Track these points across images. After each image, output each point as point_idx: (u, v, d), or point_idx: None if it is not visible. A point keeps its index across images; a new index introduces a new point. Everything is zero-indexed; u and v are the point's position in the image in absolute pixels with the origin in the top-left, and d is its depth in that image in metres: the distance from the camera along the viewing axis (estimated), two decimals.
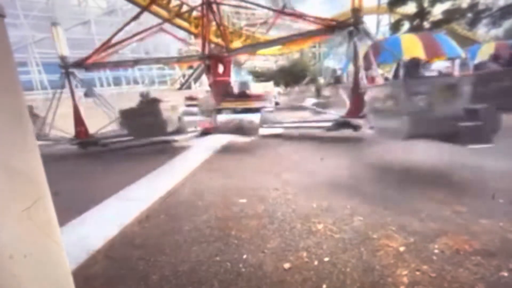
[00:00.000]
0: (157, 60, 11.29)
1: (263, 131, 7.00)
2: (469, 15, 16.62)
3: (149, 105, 6.59)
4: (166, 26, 10.43)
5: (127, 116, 6.65)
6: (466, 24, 18.72)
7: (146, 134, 6.63)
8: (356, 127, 6.26)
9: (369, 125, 5.27)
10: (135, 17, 8.56)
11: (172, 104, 6.93)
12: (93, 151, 7.22)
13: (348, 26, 6.26)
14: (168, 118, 6.53)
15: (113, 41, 8.15)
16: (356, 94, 6.40)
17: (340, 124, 6.40)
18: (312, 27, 7.56)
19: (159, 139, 7.12)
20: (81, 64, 7.81)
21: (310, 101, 11.85)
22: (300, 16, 8.47)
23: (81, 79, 7.98)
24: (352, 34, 6.18)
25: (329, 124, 6.60)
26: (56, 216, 1.07)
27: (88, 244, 2.37)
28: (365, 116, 6.10)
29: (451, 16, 16.72)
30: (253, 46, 9.94)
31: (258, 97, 7.06)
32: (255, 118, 6.23)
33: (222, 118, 6.29)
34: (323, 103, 10.94)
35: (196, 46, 13.18)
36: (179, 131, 6.78)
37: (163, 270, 1.98)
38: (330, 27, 6.73)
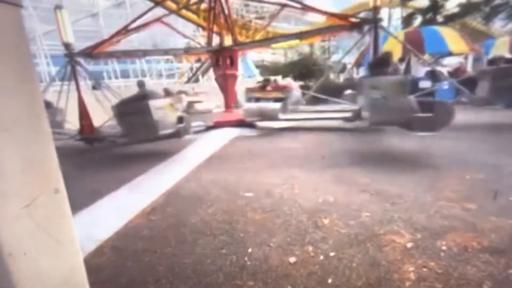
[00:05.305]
0: (166, 52, 11.27)
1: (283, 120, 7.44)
2: (485, 9, 16.11)
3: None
4: (170, 18, 10.49)
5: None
6: (482, 18, 18.15)
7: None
8: None
9: None
10: (151, 8, 8.65)
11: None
12: (99, 147, 6.84)
13: (370, 22, 6.58)
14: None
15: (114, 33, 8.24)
16: None
17: (358, 115, 6.58)
18: (320, 20, 7.72)
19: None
20: (88, 53, 7.63)
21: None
22: (324, 12, 8.51)
23: (90, 72, 7.77)
24: (372, 30, 6.49)
25: (347, 114, 6.84)
26: (58, 212, 1.07)
27: (95, 235, 2.40)
28: None
29: (466, 10, 16.26)
30: (271, 40, 9.96)
31: (286, 87, 7.94)
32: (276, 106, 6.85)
33: (249, 106, 6.99)
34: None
35: (202, 40, 13.13)
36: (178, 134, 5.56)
37: (169, 262, 2.00)
38: (354, 24, 6.98)
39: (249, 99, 7.65)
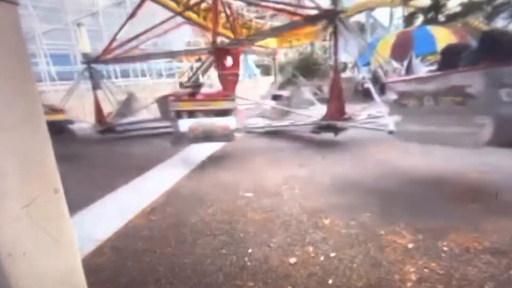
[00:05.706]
0: (167, 54, 11.30)
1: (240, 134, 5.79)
2: (488, 8, 16.03)
3: None
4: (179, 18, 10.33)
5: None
6: (484, 18, 18.07)
7: None
8: (337, 131, 5.45)
9: (389, 129, 4.24)
10: (133, 14, 8.28)
11: None
12: (110, 137, 7.92)
13: (329, 16, 5.41)
14: None
15: (135, 34, 8.21)
16: (337, 93, 5.62)
17: (322, 127, 5.59)
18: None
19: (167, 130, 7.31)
20: (97, 60, 8.32)
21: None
22: (278, 9, 8.21)
23: (91, 72, 8.30)
24: (331, 25, 5.41)
25: (310, 127, 5.80)
26: (57, 212, 1.07)
27: (95, 235, 2.39)
28: (349, 118, 5.44)
29: (468, 9, 16.17)
30: (249, 40, 9.76)
31: (224, 96, 5.43)
32: (228, 122, 4.67)
33: (185, 123, 4.56)
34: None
35: (207, 37, 13.02)
36: None
37: (169, 262, 1.99)
38: (307, 18, 6.07)
39: (176, 114, 4.72)
